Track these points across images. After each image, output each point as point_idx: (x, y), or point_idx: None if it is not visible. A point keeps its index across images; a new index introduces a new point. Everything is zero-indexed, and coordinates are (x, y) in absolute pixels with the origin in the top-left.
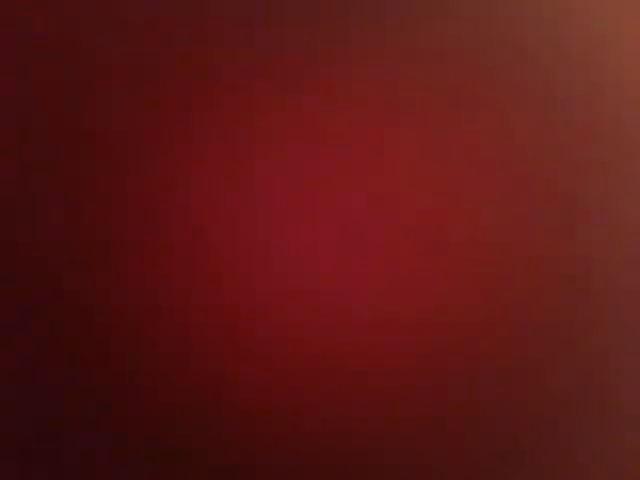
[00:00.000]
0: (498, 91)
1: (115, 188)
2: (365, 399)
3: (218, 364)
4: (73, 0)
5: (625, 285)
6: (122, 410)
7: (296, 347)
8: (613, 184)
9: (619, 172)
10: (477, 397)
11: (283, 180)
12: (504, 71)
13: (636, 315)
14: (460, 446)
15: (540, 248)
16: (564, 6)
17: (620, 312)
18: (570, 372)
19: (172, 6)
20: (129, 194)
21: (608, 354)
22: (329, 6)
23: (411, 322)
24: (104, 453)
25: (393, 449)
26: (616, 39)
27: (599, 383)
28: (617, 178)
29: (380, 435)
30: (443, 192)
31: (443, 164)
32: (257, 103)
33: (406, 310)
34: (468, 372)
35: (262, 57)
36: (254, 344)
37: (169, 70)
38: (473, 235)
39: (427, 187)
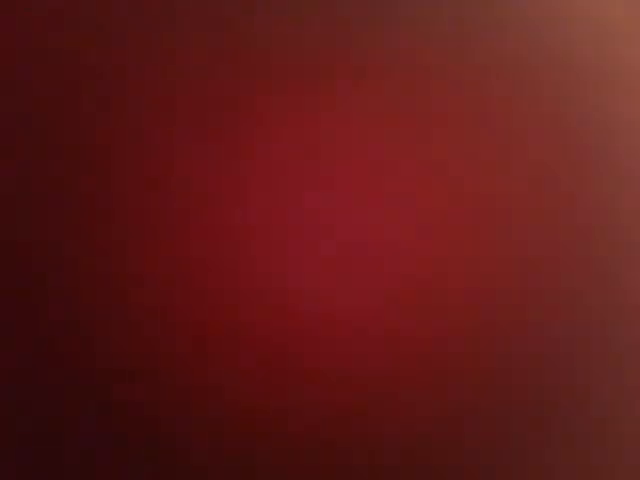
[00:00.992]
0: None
1: (115, 189)
2: (366, 402)
3: (219, 364)
4: (66, 3)
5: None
6: (122, 410)
7: (297, 348)
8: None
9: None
10: (478, 398)
11: (282, 186)
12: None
13: (636, 318)
14: (462, 446)
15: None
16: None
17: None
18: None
19: (172, 11)
20: (129, 195)
21: (609, 359)
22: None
23: (412, 325)
24: (104, 453)
25: (392, 449)
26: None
27: (601, 384)
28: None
29: (380, 435)
30: (446, 199)
31: (447, 176)
32: (257, 104)
33: (407, 314)
34: (469, 372)
35: (262, 57)
36: (255, 344)
37: (169, 71)
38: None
39: (429, 194)
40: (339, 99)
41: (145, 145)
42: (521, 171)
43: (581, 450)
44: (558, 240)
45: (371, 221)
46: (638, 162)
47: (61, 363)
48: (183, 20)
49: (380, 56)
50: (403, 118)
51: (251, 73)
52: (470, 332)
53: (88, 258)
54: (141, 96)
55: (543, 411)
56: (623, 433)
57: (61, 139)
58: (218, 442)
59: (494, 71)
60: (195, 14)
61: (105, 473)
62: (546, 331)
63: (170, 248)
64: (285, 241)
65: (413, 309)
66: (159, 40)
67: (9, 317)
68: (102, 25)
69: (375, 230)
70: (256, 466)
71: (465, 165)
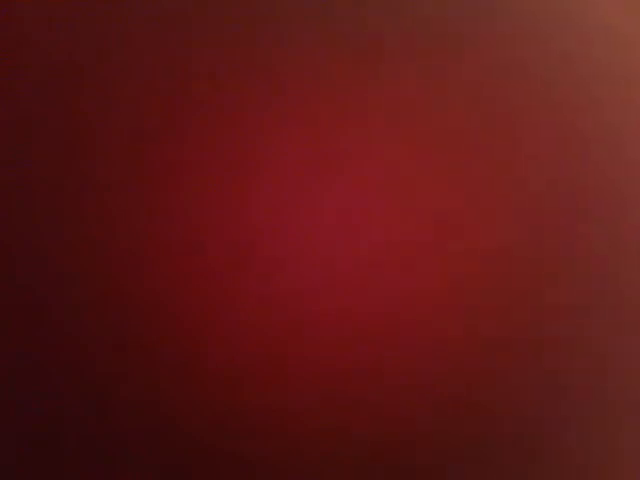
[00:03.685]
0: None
1: (115, 190)
2: (368, 402)
3: (218, 365)
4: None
5: (627, 286)
6: (122, 410)
7: (298, 348)
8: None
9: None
10: (478, 398)
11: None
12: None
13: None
14: (462, 446)
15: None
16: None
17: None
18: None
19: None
20: (130, 197)
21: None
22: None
23: (414, 326)
24: (104, 453)
25: (393, 449)
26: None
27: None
28: (622, 181)
29: (380, 435)
30: (454, 200)
31: (454, 175)
32: (254, 101)
33: (408, 315)
34: (468, 370)
35: (263, 60)
36: (255, 344)
37: (170, 73)
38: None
39: (430, 189)
40: (342, 104)
41: (146, 146)
42: (525, 172)
43: (581, 451)
44: (567, 243)
45: (371, 222)
46: None
47: (61, 363)
48: (188, 24)
49: (383, 59)
50: (409, 121)
51: (255, 75)
52: (473, 332)
53: (88, 258)
54: (142, 98)
55: (543, 412)
56: (624, 436)
57: (61, 139)
58: (219, 442)
59: (500, 73)
60: (201, 19)
61: (105, 473)
62: (549, 332)
63: (171, 250)
64: (286, 242)
65: (415, 310)
66: (163, 42)
67: (9, 317)
68: (102, 25)
69: (375, 231)
70: (256, 466)
71: (473, 165)
